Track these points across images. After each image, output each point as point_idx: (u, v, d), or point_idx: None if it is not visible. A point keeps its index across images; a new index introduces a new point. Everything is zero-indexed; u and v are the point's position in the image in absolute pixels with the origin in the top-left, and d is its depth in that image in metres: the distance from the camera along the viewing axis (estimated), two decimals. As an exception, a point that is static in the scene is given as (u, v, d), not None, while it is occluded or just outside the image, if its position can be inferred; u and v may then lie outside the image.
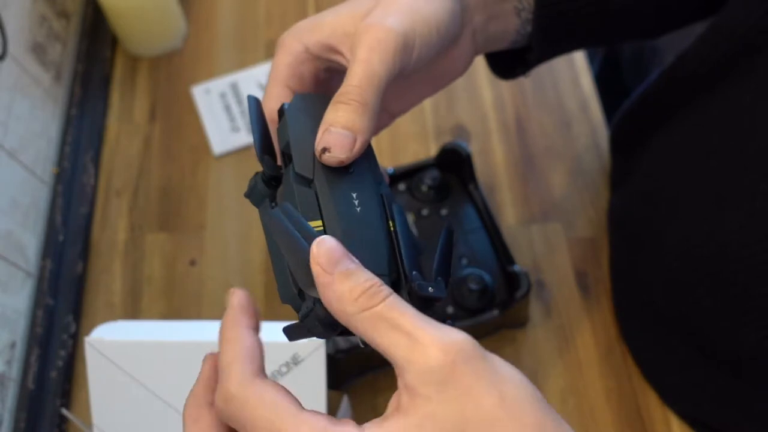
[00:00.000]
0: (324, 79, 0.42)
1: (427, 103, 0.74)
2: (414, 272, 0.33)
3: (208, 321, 0.62)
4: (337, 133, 0.35)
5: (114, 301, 0.66)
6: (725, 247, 0.48)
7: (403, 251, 0.34)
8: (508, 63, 0.51)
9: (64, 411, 0.53)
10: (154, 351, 0.48)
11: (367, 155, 0.37)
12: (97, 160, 0.73)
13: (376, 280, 0.30)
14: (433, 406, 0.27)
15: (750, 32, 0.45)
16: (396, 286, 0.33)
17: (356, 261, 0.30)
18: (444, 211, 0.62)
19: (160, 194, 0.71)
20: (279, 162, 0.39)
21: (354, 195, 0.35)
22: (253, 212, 0.68)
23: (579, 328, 0.62)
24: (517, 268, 0.58)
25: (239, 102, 0.75)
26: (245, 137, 0.73)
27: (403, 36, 0.37)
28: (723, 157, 0.48)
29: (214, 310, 0.64)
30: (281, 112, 0.39)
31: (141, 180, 0.72)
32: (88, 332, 0.49)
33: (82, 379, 0.62)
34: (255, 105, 0.39)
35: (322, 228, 0.34)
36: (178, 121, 0.75)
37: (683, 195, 0.52)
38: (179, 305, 0.65)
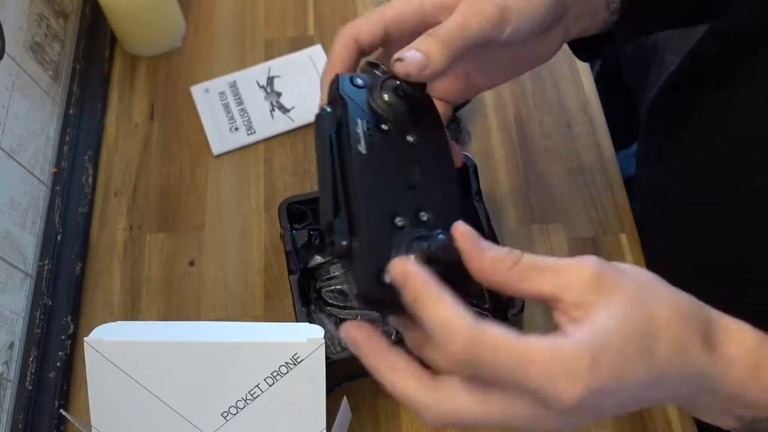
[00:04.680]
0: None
1: (427, 103, 0.74)
2: None
3: (207, 321, 0.62)
4: (416, 53, 0.39)
5: (113, 301, 0.65)
6: None
7: None
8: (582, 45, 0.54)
9: (63, 412, 0.53)
10: (153, 351, 0.48)
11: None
12: (95, 160, 0.72)
13: (507, 248, 0.35)
14: (604, 303, 0.33)
15: None
16: None
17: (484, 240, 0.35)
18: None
19: (159, 194, 0.71)
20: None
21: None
22: (252, 212, 0.68)
23: (579, 328, 0.62)
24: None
25: (238, 101, 0.75)
26: (244, 137, 0.72)
27: (500, 10, 0.42)
28: None
29: (213, 311, 0.64)
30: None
31: (140, 180, 0.72)
32: (86, 333, 0.48)
33: (80, 379, 0.62)
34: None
35: None
36: (177, 120, 0.75)
37: (734, 162, 0.52)
38: (178, 305, 0.65)
